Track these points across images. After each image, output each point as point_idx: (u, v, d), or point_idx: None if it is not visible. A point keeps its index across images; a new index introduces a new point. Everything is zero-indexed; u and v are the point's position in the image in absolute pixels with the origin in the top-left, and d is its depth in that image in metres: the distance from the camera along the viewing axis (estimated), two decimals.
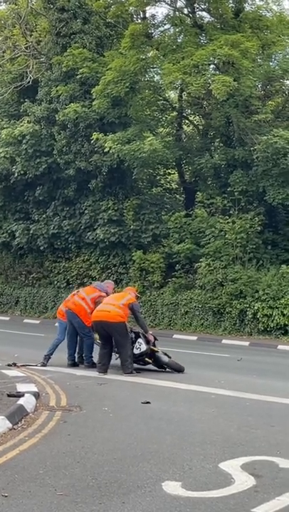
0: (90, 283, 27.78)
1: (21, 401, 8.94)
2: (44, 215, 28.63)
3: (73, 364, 13.84)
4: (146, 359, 13.35)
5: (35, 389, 10.31)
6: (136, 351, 13.14)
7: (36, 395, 9.81)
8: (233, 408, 9.70)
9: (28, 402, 9.11)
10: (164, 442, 7.24)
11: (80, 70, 25.54)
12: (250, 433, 7.94)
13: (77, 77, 25.85)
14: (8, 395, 9.39)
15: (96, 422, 8.40)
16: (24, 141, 27.13)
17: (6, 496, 5.22)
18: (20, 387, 10.34)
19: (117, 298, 13.63)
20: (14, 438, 7.27)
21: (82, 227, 27.54)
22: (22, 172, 27.72)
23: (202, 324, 23.85)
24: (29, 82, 27.43)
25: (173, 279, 25.18)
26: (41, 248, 29.03)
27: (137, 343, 13.22)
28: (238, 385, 12.02)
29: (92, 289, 14.44)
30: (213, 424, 8.45)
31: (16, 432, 7.55)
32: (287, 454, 6.87)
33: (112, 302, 13.40)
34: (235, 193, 23.89)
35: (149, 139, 23.06)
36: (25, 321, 27.19)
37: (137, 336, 13.41)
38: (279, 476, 6.05)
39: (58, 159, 26.85)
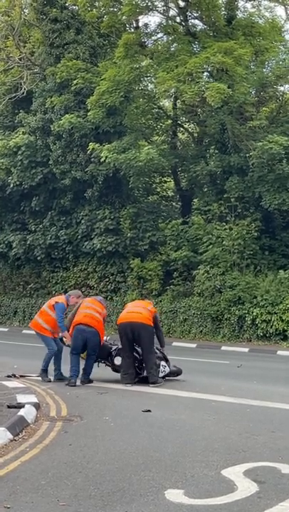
0: (88, 292, 27.93)
1: (22, 412, 8.91)
2: (41, 225, 28.64)
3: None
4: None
5: (35, 400, 10.27)
6: (161, 374, 12.96)
7: (37, 406, 9.78)
8: (234, 415, 9.68)
9: (28, 412, 9.08)
10: (165, 450, 7.22)
11: (74, 81, 25.62)
12: (252, 439, 7.93)
13: (72, 87, 25.91)
14: (9, 406, 9.35)
15: (97, 431, 8.38)
16: (19, 152, 27.19)
17: (8, 508, 5.20)
18: (21, 398, 10.31)
19: (145, 304, 13.61)
20: (15, 449, 7.25)
21: (79, 237, 27.56)
22: (18, 183, 27.79)
23: (201, 331, 23.84)
24: (23, 93, 27.52)
25: (171, 286, 25.19)
26: (38, 258, 29.02)
27: (161, 367, 13.02)
28: (239, 391, 12.01)
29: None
30: (214, 431, 8.44)
31: (16, 443, 7.53)
32: None
33: (142, 306, 13.35)
34: (232, 200, 23.94)
35: (145, 148, 23.12)
36: (24, 331, 27.10)
37: (160, 358, 13.09)
38: (282, 481, 6.03)
39: (54, 169, 26.90)
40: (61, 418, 9.34)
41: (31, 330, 13.85)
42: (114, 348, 13.21)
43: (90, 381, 12.71)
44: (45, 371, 13.05)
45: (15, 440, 7.70)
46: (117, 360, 13.03)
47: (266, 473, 6.29)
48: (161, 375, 12.80)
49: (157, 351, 13.05)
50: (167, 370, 13.05)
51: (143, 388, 12.16)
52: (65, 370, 12.84)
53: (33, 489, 5.72)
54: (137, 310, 13.07)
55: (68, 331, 12.89)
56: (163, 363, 13.01)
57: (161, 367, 12.87)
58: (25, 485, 5.85)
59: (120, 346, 13.05)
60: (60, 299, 13.15)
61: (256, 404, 10.68)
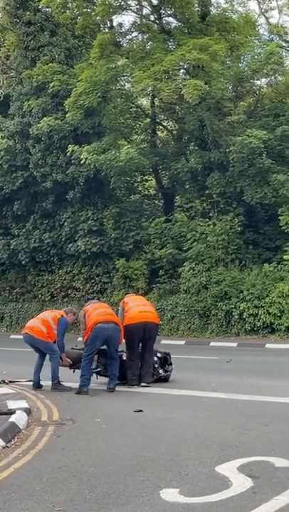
0: (75, 294, 27.88)
1: (13, 418, 8.87)
2: (24, 230, 28.55)
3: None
4: None
5: (26, 405, 10.23)
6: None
7: (28, 411, 9.74)
8: (226, 410, 9.70)
9: (19, 418, 9.04)
10: (159, 450, 7.21)
11: (51, 84, 25.58)
12: (244, 434, 7.95)
13: (49, 90, 25.87)
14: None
15: (89, 434, 8.36)
16: None
17: None
18: (11, 404, 10.27)
19: (147, 301, 13.62)
20: (8, 456, 7.22)
21: (63, 239, 27.50)
22: None
23: (189, 328, 23.86)
24: (0, 97, 27.40)
25: (157, 284, 25.20)
26: (23, 262, 28.93)
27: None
28: (229, 386, 12.04)
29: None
30: (206, 427, 8.45)
31: (9, 450, 7.49)
32: (283, 452, 6.88)
33: (149, 304, 13.27)
34: (214, 196, 24.00)
35: (125, 147, 23.12)
36: (12, 336, 26.99)
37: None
38: (276, 475, 6.05)
39: (35, 173, 26.85)
40: (53, 422, 9.30)
41: (20, 335, 13.52)
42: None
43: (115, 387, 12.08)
44: (58, 381, 12.24)
45: (7, 447, 7.66)
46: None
47: (260, 468, 6.30)
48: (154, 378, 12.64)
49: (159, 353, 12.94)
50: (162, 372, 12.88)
51: (134, 388, 12.14)
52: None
53: (28, 496, 5.70)
54: (150, 309, 12.85)
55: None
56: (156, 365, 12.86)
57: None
58: (20, 492, 5.82)
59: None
60: (62, 313, 12.59)
61: (247, 398, 10.71)
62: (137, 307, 12.65)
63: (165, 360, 13.01)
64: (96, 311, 12.15)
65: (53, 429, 8.79)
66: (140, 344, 12.45)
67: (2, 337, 27.73)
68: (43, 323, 12.29)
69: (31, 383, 12.68)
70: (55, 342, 12.21)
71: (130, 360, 12.39)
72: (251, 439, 7.67)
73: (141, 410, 9.79)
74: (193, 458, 6.79)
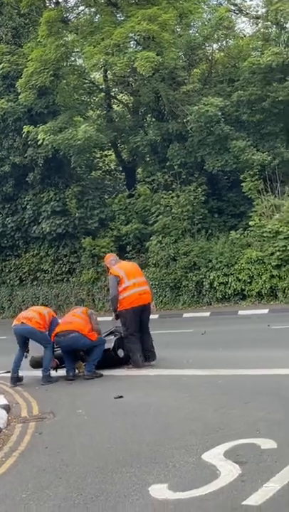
0: (44, 277, 27.65)
1: None
2: None
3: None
4: None
5: (4, 401, 10.09)
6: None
7: (7, 408, 9.62)
8: (206, 389, 9.66)
9: None
10: (143, 441, 7.15)
11: (0, 65, 25.02)
12: (227, 414, 7.92)
13: None
14: None
15: (72, 427, 8.27)
16: None
17: None
18: None
19: (140, 272, 12.75)
20: None
21: (27, 222, 27.18)
22: None
23: (161, 301, 23.84)
24: None
25: (126, 260, 25.04)
26: None
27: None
28: (207, 362, 12.00)
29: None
30: (189, 410, 8.41)
31: None
32: (267, 432, 6.86)
33: (142, 275, 12.71)
34: (175, 167, 23.87)
35: (82, 126, 22.77)
36: None
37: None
38: (262, 458, 6.02)
39: None
40: (33, 418, 9.19)
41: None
42: (108, 344, 12.31)
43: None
44: (50, 373, 12.05)
45: None
46: (121, 353, 12.53)
47: (246, 452, 6.26)
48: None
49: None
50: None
51: (111, 371, 12.06)
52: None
53: (15, 505, 5.59)
54: (147, 289, 12.50)
55: None
56: None
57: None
58: (7, 502, 5.72)
59: (114, 337, 12.61)
60: (55, 314, 12.52)
61: (226, 373, 10.68)
62: (135, 288, 12.12)
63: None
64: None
65: (34, 425, 8.68)
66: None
67: None
68: (40, 316, 12.06)
69: (8, 374, 12.48)
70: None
71: (134, 343, 12.12)
72: (234, 419, 7.64)
73: (121, 396, 9.71)
74: (178, 446, 6.73)
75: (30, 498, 5.72)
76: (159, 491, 5.50)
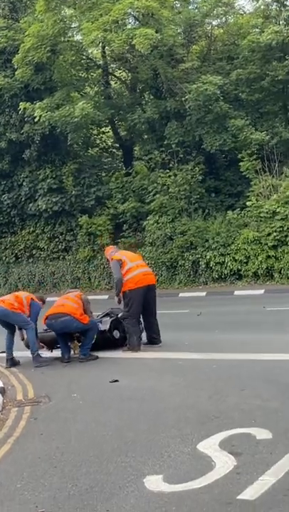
0: (40, 254, 27.59)
1: None
2: None
3: None
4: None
5: (0, 384, 10.10)
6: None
7: (2, 391, 9.61)
8: (202, 374, 9.66)
9: None
10: (139, 428, 7.14)
11: None
12: (222, 401, 7.91)
13: None
14: None
15: (67, 413, 8.26)
16: None
17: None
18: None
19: (141, 258, 13.09)
20: None
21: (23, 199, 27.09)
22: None
23: (157, 280, 23.63)
24: None
25: (122, 239, 25.04)
26: None
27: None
28: (203, 345, 12.00)
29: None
30: (184, 396, 8.40)
31: None
32: (262, 422, 6.85)
33: (144, 263, 12.83)
34: (173, 146, 23.73)
35: (80, 103, 22.54)
36: None
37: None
38: (258, 450, 6.01)
39: None
40: (29, 401, 9.17)
41: None
42: (103, 325, 12.36)
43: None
44: (38, 354, 11.93)
45: None
46: (116, 334, 12.51)
47: (242, 443, 6.25)
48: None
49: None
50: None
51: (107, 354, 12.06)
52: None
53: (10, 495, 5.58)
54: (150, 271, 12.60)
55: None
56: None
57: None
58: (2, 491, 5.70)
59: (109, 318, 12.58)
60: (35, 298, 12.22)
61: (221, 357, 10.68)
62: (139, 269, 12.10)
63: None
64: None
65: (29, 409, 8.66)
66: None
67: None
68: (16, 298, 11.93)
69: (3, 355, 12.46)
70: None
71: (134, 325, 12.03)
72: (230, 407, 7.63)
73: (117, 380, 9.70)
74: (174, 435, 6.73)
75: (25, 488, 5.71)
76: (155, 483, 5.49)
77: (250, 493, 5.08)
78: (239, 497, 5.03)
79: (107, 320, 12.66)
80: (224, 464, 5.76)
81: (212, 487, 5.29)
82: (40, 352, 12.06)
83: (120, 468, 5.94)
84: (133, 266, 12.06)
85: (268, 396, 7.93)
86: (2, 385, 10.02)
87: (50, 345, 12.51)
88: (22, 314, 11.79)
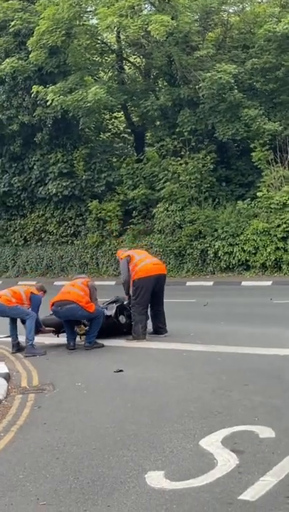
0: (48, 238, 27.61)
1: None
2: None
3: None
4: None
5: (5, 369, 10.12)
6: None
7: (7, 377, 9.64)
8: (206, 366, 9.67)
9: None
10: (142, 421, 7.15)
11: (12, 22, 24.64)
12: (226, 397, 7.92)
13: (10, 29, 24.94)
14: None
15: (71, 402, 8.28)
16: None
17: None
18: None
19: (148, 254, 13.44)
20: None
21: (34, 183, 27.10)
22: None
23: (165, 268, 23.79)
24: None
25: (131, 225, 25.05)
26: None
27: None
28: (208, 336, 12.02)
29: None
30: (188, 389, 8.41)
31: None
32: (265, 419, 6.85)
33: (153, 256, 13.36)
34: (185, 133, 23.65)
35: (92, 88, 22.45)
36: None
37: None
38: (260, 449, 6.01)
39: (0, 115, 26.08)
40: (33, 389, 9.20)
41: None
42: (109, 311, 12.45)
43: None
44: (32, 344, 11.74)
45: None
46: (122, 319, 12.61)
47: (244, 441, 6.26)
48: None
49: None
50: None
51: (112, 342, 12.09)
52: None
53: (12, 486, 5.61)
54: (159, 261, 12.88)
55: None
56: None
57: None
58: (4, 482, 5.73)
59: (115, 304, 12.65)
60: (35, 290, 12.13)
61: (226, 350, 10.70)
62: (148, 259, 12.43)
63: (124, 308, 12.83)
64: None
65: (33, 397, 8.69)
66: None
67: None
68: (14, 294, 11.88)
69: (9, 339, 12.48)
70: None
71: (141, 314, 12.06)
72: (233, 402, 7.63)
73: (121, 370, 9.73)
74: (176, 430, 6.73)
75: (28, 480, 5.73)
76: (156, 479, 5.50)
77: (251, 493, 5.08)
78: (240, 497, 5.03)
79: (113, 306, 12.70)
80: (226, 462, 5.76)
81: (213, 486, 5.30)
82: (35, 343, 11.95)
83: (122, 463, 5.95)
84: (143, 257, 12.39)
85: (271, 393, 7.93)
86: (7, 371, 10.05)
87: (57, 329, 12.50)
88: (19, 307, 11.77)
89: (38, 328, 12.02)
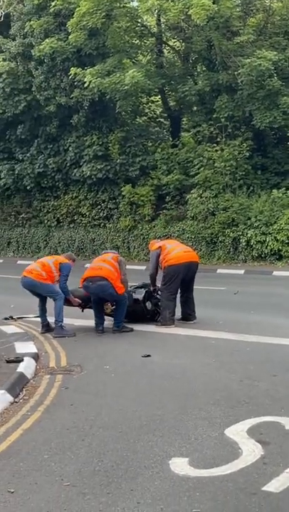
0: (81, 220, 27.71)
1: (21, 368, 8.81)
2: (28, 154, 28.19)
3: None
4: None
5: (34, 349, 10.20)
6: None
7: (36, 357, 9.71)
8: (234, 355, 9.64)
9: (27, 367, 9.00)
10: (168, 407, 7.16)
11: (53, 3, 24.61)
12: (253, 386, 7.89)
13: (50, 9, 24.92)
14: (7, 361, 9.27)
15: (98, 385, 8.32)
16: (0, 80, 26.38)
17: (12, 492, 5.13)
18: (19, 348, 10.25)
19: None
20: (16, 414, 7.16)
21: (68, 165, 27.17)
22: (1, 111, 27.12)
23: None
24: (0, 17, 26.44)
25: (164, 211, 25.01)
26: (28, 188, 28.71)
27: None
28: (237, 325, 11.99)
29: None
30: (215, 378, 8.39)
31: (17, 407, 7.44)
32: None
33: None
34: (222, 120, 23.49)
35: (130, 71, 22.38)
36: (19, 262, 27.01)
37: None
38: (286, 441, 5.97)
39: (38, 96, 26.23)
40: (61, 369, 9.25)
41: (27, 260, 12.89)
42: (137, 295, 12.45)
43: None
44: (61, 325, 11.77)
45: (16, 402, 7.61)
46: (149, 305, 12.63)
47: (270, 432, 6.22)
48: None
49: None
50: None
51: (141, 327, 12.11)
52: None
53: (37, 466, 5.65)
54: (189, 249, 13.04)
55: None
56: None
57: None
58: (29, 461, 5.77)
59: (144, 289, 12.64)
60: (64, 259, 12.11)
61: (255, 340, 10.65)
62: (180, 247, 12.62)
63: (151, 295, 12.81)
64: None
65: (61, 378, 8.75)
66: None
67: (9, 262, 27.80)
68: (43, 267, 11.85)
69: (39, 319, 12.55)
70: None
71: (169, 300, 12.12)
72: (260, 393, 7.60)
73: (149, 355, 9.74)
74: (202, 417, 6.73)
75: (52, 460, 5.77)
76: (180, 466, 5.50)
77: (276, 485, 5.05)
78: (264, 488, 5.01)
79: (142, 290, 12.71)
80: (251, 452, 5.74)
81: (237, 475, 5.28)
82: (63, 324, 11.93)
83: (147, 447, 5.96)
84: (174, 246, 12.60)
85: None
86: (36, 351, 10.12)
87: (84, 303, 12.42)
88: (51, 285, 11.76)
89: (66, 297, 11.97)
